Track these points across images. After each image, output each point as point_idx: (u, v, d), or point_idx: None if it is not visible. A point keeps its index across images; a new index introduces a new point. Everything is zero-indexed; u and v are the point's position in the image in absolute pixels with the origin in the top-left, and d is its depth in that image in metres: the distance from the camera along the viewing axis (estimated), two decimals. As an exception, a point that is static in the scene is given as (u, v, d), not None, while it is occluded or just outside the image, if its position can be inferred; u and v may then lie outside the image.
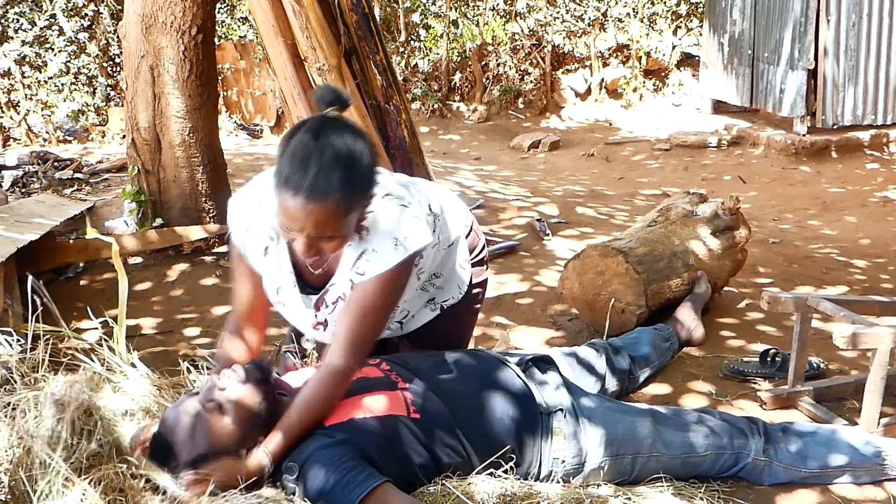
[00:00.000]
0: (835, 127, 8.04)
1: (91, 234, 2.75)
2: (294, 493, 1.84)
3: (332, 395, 1.96)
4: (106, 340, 2.42)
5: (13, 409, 1.82)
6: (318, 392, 1.95)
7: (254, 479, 1.86)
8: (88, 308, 2.82)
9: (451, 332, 2.42)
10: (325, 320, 2.13)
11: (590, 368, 2.57)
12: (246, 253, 2.10)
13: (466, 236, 2.36)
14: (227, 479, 1.84)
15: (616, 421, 2.15)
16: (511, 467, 2.01)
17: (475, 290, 2.43)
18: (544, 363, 2.33)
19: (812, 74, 7.89)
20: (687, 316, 3.14)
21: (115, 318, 2.60)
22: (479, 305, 2.51)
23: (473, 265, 2.41)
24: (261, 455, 1.88)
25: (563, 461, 2.09)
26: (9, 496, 1.69)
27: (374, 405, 1.97)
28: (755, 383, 2.80)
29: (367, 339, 2.02)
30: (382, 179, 2.00)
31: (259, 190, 2.07)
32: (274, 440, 1.90)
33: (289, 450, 1.90)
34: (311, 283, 2.11)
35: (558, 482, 2.09)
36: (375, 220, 1.97)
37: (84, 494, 1.65)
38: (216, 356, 2.24)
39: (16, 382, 2.04)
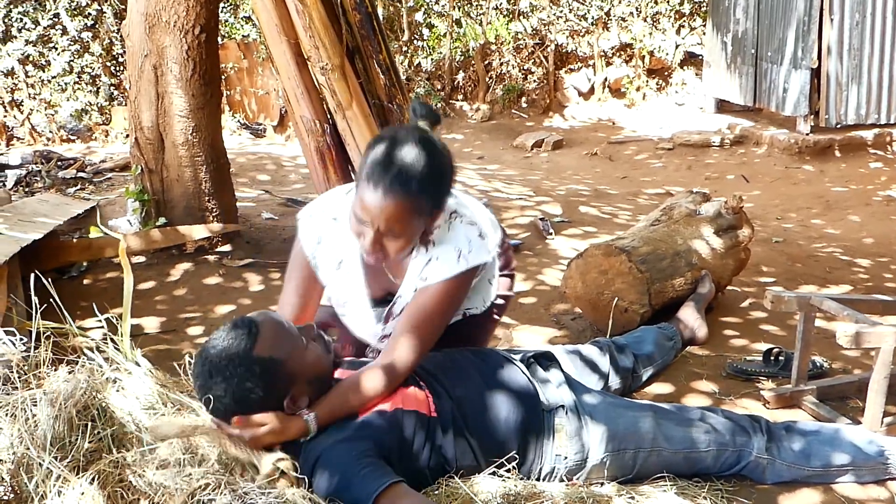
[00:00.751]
0: (838, 126, 8.03)
1: (95, 233, 2.75)
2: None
3: (384, 389, 2.00)
4: (111, 338, 2.42)
5: (14, 407, 1.82)
6: (372, 382, 1.99)
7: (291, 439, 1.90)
8: (94, 306, 2.82)
9: (469, 337, 2.42)
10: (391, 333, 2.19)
11: (593, 366, 2.57)
12: (316, 264, 2.19)
13: (501, 255, 2.41)
14: (276, 429, 1.86)
15: (617, 416, 2.16)
16: (514, 467, 2.02)
17: (499, 301, 2.47)
18: (546, 360, 2.34)
19: (815, 73, 7.88)
20: (690, 315, 3.14)
21: (118, 317, 2.60)
22: (500, 315, 2.55)
23: (501, 276, 2.46)
24: (309, 419, 1.91)
25: (566, 458, 2.09)
26: (12, 495, 1.70)
27: (403, 399, 2.00)
28: (758, 382, 2.80)
29: (426, 343, 2.08)
30: (452, 198, 2.11)
31: (334, 206, 2.17)
32: (322, 408, 1.93)
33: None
34: (377, 298, 2.20)
35: (562, 480, 2.09)
36: (443, 234, 2.08)
37: (83, 495, 1.65)
38: None
39: (17, 381, 2.04)
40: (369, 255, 2.01)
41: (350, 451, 1.85)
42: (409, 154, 1.92)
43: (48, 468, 1.69)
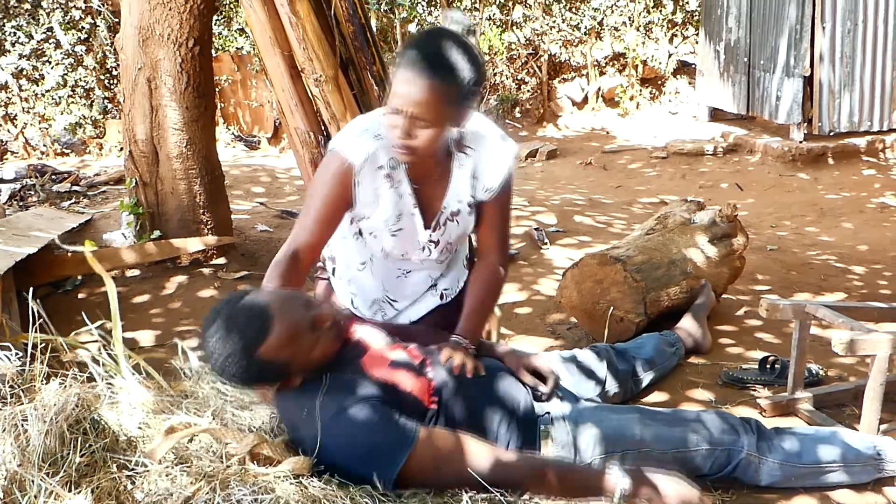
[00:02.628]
0: (831, 133, 8.06)
1: (90, 246, 2.75)
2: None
3: (498, 286, 2.30)
4: (105, 347, 2.41)
5: (5, 423, 1.81)
6: (488, 285, 2.28)
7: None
8: (87, 321, 2.81)
9: (454, 326, 2.42)
10: (438, 240, 2.32)
11: (589, 373, 2.56)
12: (360, 180, 2.16)
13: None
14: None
15: (605, 419, 2.15)
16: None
17: None
18: None
19: (808, 81, 7.92)
20: (692, 325, 3.13)
21: (109, 332, 2.59)
22: None
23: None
24: (457, 338, 2.15)
25: None
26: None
27: (406, 381, 2.05)
28: (754, 390, 2.80)
29: (509, 238, 2.41)
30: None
31: (374, 125, 2.17)
32: (463, 327, 2.14)
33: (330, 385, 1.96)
34: (423, 207, 2.27)
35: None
36: (476, 131, 2.21)
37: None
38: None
39: (10, 396, 2.03)
40: (400, 146, 2.02)
41: (375, 409, 1.89)
42: (443, 45, 1.97)
43: (39, 484, 1.68)
